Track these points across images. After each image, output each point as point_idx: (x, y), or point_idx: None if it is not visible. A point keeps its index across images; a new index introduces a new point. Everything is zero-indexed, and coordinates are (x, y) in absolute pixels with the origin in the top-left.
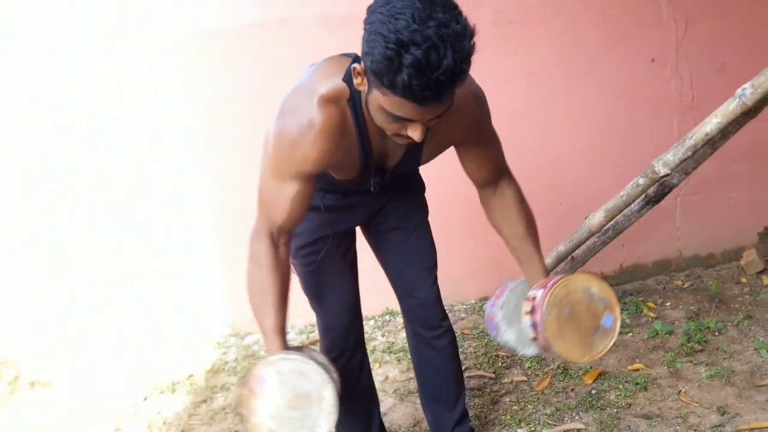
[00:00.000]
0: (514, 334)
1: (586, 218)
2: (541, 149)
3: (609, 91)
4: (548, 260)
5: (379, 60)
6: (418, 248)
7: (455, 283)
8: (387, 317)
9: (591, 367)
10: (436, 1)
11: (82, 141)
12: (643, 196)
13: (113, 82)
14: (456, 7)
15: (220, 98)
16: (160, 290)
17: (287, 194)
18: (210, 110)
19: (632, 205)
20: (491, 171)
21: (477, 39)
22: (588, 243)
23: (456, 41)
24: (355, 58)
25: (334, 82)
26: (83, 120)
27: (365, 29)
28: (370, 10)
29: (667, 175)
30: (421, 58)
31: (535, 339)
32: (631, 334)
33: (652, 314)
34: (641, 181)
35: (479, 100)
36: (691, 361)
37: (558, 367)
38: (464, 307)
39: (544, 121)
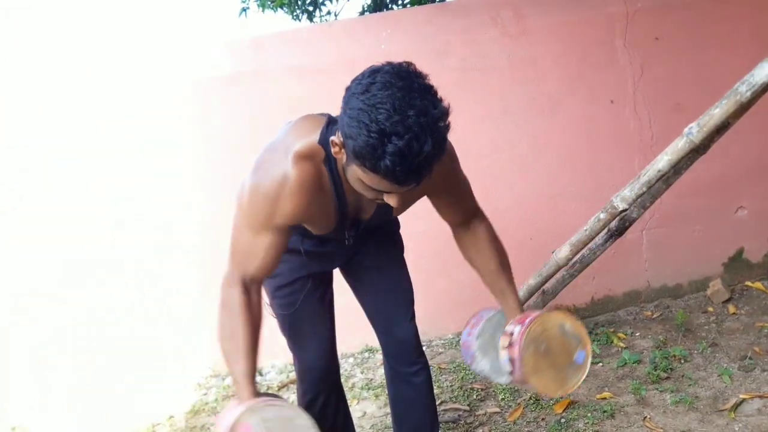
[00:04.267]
0: (488, 363)
1: (553, 252)
2: (509, 187)
3: (571, 132)
4: (520, 293)
5: (362, 146)
6: (395, 285)
7: (432, 318)
8: (366, 354)
9: (561, 397)
10: (414, 86)
11: (68, 182)
12: (606, 230)
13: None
14: (432, 89)
15: (204, 144)
16: (141, 331)
17: (261, 246)
18: (193, 155)
19: (597, 239)
20: (464, 212)
21: (445, 85)
22: (557, 276)
23: (435, 128)
24: (330, 120)
25: (310, 141)
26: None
27: (344, 110)
28: (350, 92)
29: (625, 210)
30: (403, 148)
31: (512, 373)
32: (601, 363)
33: (621, 344)
34: (602, 215)
35: (449, 153)
36: (657, 389)
37: (530, 398)
38: (442, 341)
39: (511, 161)
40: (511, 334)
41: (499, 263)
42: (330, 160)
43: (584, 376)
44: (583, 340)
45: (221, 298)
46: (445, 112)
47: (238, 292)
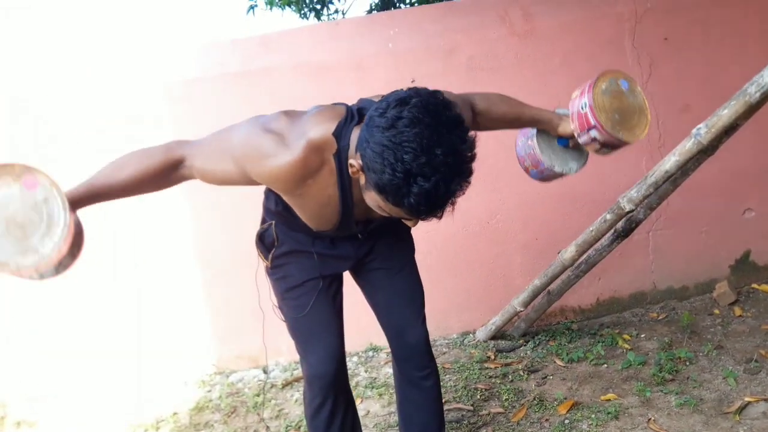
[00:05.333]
0: (557, 159)
1: (558, 253)
2: (515, 187)
3: None
4: (525, 294)
5: (385, 183)
6: (406, 288)
7: (437, 318)
8: (370, 353)
9: (565, 398)
10: (441, 120)
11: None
12: (612, 231)
13: (99, 126)
14: (460, 122)
15: None
16: (145, 328)
17: (220, 167)
18: None
19: (602, 240)
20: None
21: (452, 83)
22: (563, 277)
23: (462, 167)
24: (348, 113)
25: (325, 131)
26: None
27: (367, 143)
28: (373, 123)
29: (632, 210)
30: (430, 189)
31: (595, 140)
32: (606, 365)
33: (626, 346)
34: (608, 216)
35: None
36: (661, 390)
37: (534, 398)
38: (446, 341)
39: (517, 162)
40: (581, 106)
41: (511, 105)
42: (341, 156)
43: (648, 107)
44: (629, 80)
45: (156, 146)
46: (472, 145)
47: (170, 157)
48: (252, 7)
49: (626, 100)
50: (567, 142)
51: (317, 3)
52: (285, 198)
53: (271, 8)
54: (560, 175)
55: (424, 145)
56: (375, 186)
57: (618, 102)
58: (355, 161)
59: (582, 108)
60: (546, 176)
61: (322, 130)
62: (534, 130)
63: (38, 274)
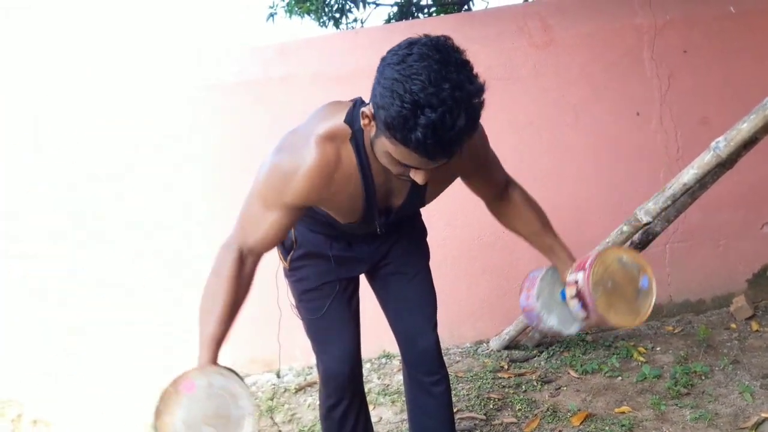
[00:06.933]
0: (556, 318)
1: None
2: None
3: (595, 144)
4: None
5: (394, 116)
6: (418, 294)
7: (450, 326)
8: (383, 360)
9: (579, 410)
10: (450, 60)
11: (89, 189)
12: (628, 242)
13: (125, 129)
14: (468, 64)
15: (226, 148)
16: (160, 331)
17: (268, 221)
18: (211, 161)
19: None
20: (496, 185)
21: None
22: None
23: (469, 103)
24: (357, 102)
25: (335, 122)
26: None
27: (378, 80)
28: (385, 62)
29: (649, 222)
30: (436, 120)
31: (586, 318)
32: (620, 377)
33: (641, 358)
34: (625, 228)
35: (480, 133)
36: (676, 404)
37: (547, 409)
38: (459, 350)
39: (534, 171)
40: (576, 282)
41: (540, 223)
42: (357, 139)
43: (654, 300)
44: (642, 266)
45: (215, 260)
46: (480, 88)
47: (232, 258)
48: (272, 15)
49: (629, 290)
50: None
51: (336, 11)
52: (323, 207)
53: (290, 16)
54: (555, 330)
55: (432, 78)
56: (384, 124)
57: (620, 287)
58: (366, 109)
59: (580, 281)
60: (540, 328)
61: (328, 122)
62: (538, 280)
63: None
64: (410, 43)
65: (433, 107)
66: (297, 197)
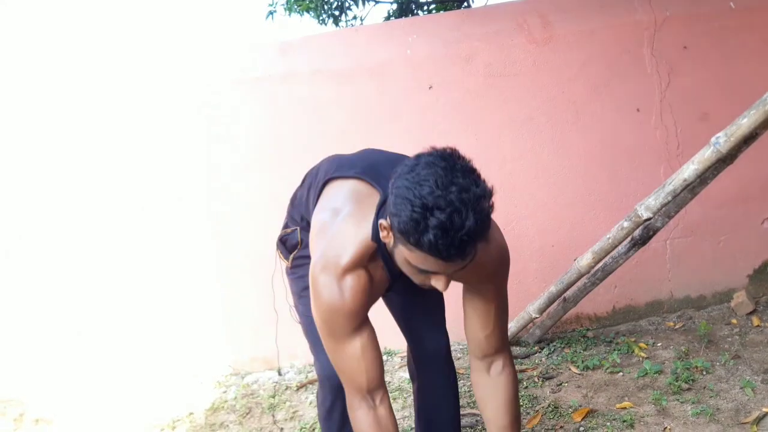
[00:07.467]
0: None
1: (575, 260)
2: (532, 194)
3: (595, 140)
4: (540, 300)
5: (406, 221)
6: (428, 293)
7: (452, 322)
8: (384, 357)
9: (580, 405)
10: (456, 167)
11: (101, 181)
12: (629, 238)
13: (127, 128)
14: (475, 171)
15: (228, 146)
16: (162, 329)
17: (355, 355)
18: (214, 156)
19: (619, 248)
20: (490, 335)
21: (469, 90)
22: (578, 284)
23: (476, 204)
24: (381, 204)
25: (360, 243)
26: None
27: (392, 193)
28: (396, 175)
29: (649, 218)
30: (446, 221)
31: None
32: (621, 373)
33: (643, 354)
34: (625, 224)
35: (502, 258)
36: (678, 400)
37: (548, 405)
38: (460, 347)
39: (534, 167)
40: None
41: (511, 422)
42: (382, 249)
43: None
44: None
45: (352, 424)
46: (487, 191)
47: (364, 413)
48: (271, 13)
49: None
50: None
51: (336, 9)
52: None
53: (290, 14)
54: None
55: (439, 183)
56: (398, 231)
57: None
58: (384, 221)
59: None
60: None
61: (353, 248)
62: None
63: None
64: (418, 156)
65: (441, 209)
66: (355, 316)
